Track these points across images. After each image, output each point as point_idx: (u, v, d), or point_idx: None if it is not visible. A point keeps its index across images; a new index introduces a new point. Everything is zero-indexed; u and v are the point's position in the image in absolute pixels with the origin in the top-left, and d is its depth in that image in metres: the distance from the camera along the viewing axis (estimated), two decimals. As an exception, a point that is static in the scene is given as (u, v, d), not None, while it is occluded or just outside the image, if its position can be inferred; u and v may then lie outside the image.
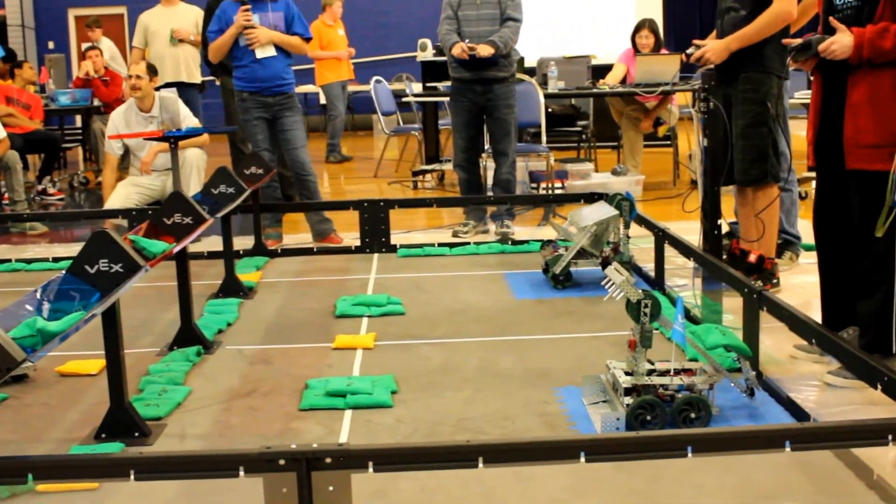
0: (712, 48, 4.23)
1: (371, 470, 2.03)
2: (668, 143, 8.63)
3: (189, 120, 6.41)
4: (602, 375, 3.12)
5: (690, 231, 4.41)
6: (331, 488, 2.02)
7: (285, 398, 3.24)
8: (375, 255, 5.62)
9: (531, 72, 8.25)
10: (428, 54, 10.53)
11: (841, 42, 3.12)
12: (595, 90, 8.04)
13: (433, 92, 9.40)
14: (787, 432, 2.14)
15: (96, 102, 9.90)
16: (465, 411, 3.06)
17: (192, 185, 6.17)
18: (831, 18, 3.19)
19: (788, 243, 4.92)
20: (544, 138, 7.62)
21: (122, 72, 10.13)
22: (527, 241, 5.73)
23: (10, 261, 5.66)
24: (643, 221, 4.86)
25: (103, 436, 2.88)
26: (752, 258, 4.32)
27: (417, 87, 10.61)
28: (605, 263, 4.41)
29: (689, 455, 2.08)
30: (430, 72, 10.15)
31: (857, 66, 3.14)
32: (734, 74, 4.26)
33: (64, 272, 2.70)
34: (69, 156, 10.90)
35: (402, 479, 2.51)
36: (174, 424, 3.03)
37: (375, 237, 5.71)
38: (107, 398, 2.90)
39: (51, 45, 15.77)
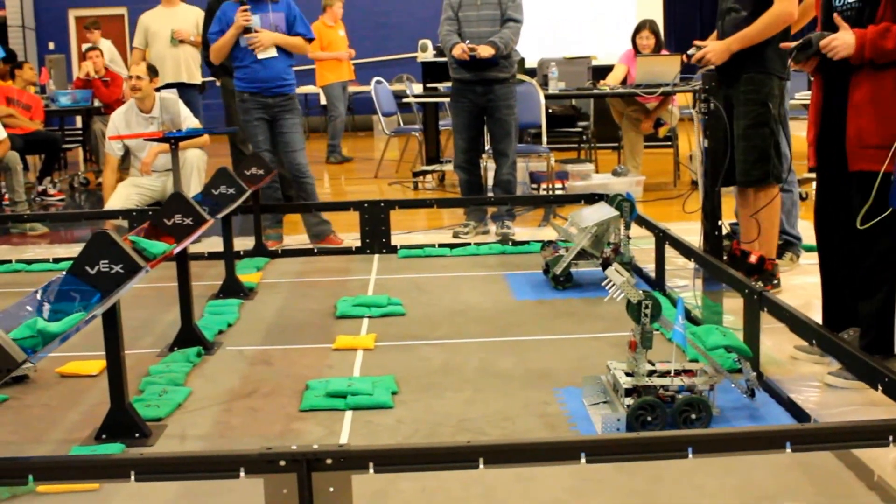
0: (713, 49, 4.23)
1: (372, 471, 2.03)
2: (669, 143, 8.63)
3: (189, 121, 6.41)
4: (602, 376, 3.12)
5: (691, 232, 4.41)
6: (331, 489, 2.02)
7: (286, 399, 3.24)
8: (376, 256, 5.62)
9: (532, 72, 8.25)
10: (428, 55, 10.53)
11: (843, 39, 3.11)
12: (595, 91, 8.04)
13: (434, 93, 9.40)
14: (787, 433, 2.14)
15: (97, 103, 9.91)
16: (466, 412, 3.06)
17: (193, 186, 6.17)
18: (835, 15, 3.18)
19: (789, 244, 4.92)
20: (545, 139, 7.62)
21: (121, 73, 10.14)
22: (527, 242, 5.73)
23: (10, 261, 5.66)
24: (644, 222, 4.86)
25: (104, 437, 2.88)
26: (753, 259, 4.32)
27: (418, 88, 10.61)
28: (606, 264, 4.41)
29: (690, 456, 2.08)
30: (431, 72, 10.15)
31: (859, 67, 3.14)
32: (735, 75, 4.26)
33: (64, 273, 2.70)
34: (69, 156, 10.90)
35: (403, 480, 2.51)
36: (175, 425, 3.03)
37: (376, 238, 5.71)
38: (107, 399, 2.90)
39: (51, 45, 15.77)
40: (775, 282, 4.40)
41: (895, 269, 3.10)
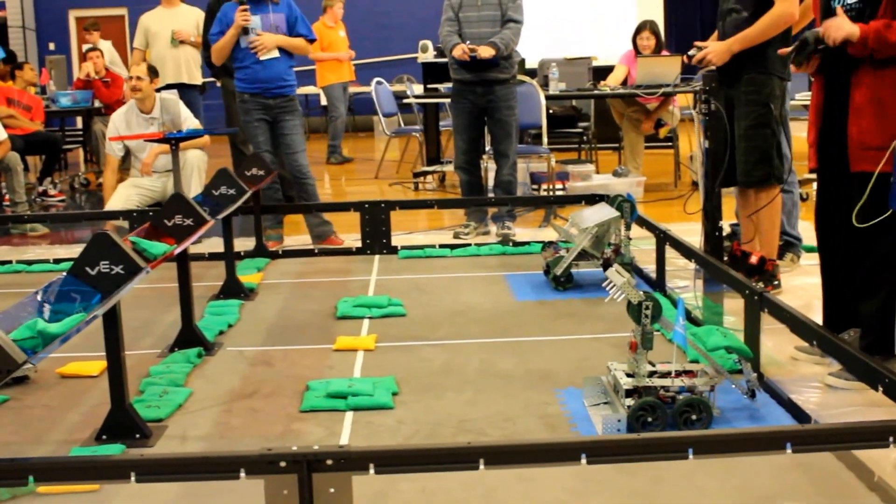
0: (714, 50, 4.23)
1: (372, 472, 2.03)
2: (670, 144, 8.63)
3: (190, 121, 6.41)
4: (603, 377, 3.12)
5: (691, 233, 4.41)
6: (332, 490, 2.02)
7: (286, 400, 3.24)
8: (376, 257, 5.62)
9: (532, 73, 8.25)
10: (429, 56, 10.53)
11: (836, 22, 3.07)
12: (596, 92, 8.04)
13: (434, 93, 9.41)
14: (788, 434, 2.14)
15: (97, 104, 9.91)
16: (466, 413, 3.06)
17: (193, 187, 6.17)
18: (838, 8, 3.17)
19: (790, 245, 4.92)
20: (545, 140, 7.62)
21: (121, 74, 10.14)
22: (528, 243, 5.73)
23: (10, 262, 5.66)
24: (644, 223, 4.86)
25: (104, 437, 2.88)
26: (754, 260, 4.32)
27: (418, 89, 10.62)
28: (607, 265, 4.41)
29: (691, 457, 2.08)
30: (431, 73, 10.15)
31: (860, 67, 3.13)
32: (736, 76, 4.26)
33: (65, 274, 2.70)
34: (70, 157, 10.91)
35: (404, 481, 2.51)
36: (175, 426, 3.03)
37: (376, 238, 5.71)
38: (108, 400, 2.90)
39: (51, 46, 15.77)
40: (776, 283, 4.40)
41: (896, 269, 3.11)
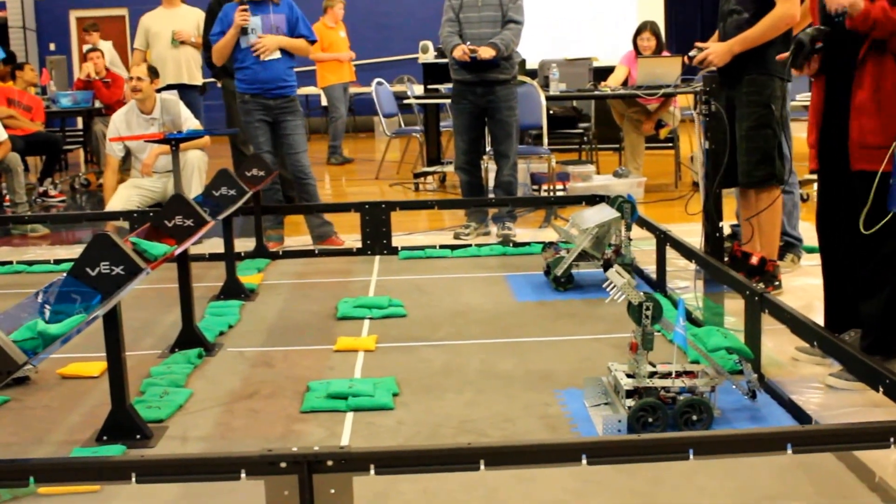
0: (715, 51, 4.22)
1: (373, 472, 2.03)
2: (670, 145, 8.63)
3: (190, 122, 6.42)
4: (603, 378, 3.12)
5: (692, 233, 4.41)
6: (332, 491, 2.02)
7: (287, 400, 3.24)
8: (377, 258, 5.62)
9: (533, 74, 8.25)
10: (429, 56, 10.53)
11: None
12: (597, 92, 8.04)
13: (434, 94, 9.41)
14: (788, 435, 2.14)
15: (97, 104, 9.91)
16: (467, 413, 3.06)
17: (194, 187, 6.18)
18: None
19: (790, 245, 4.92)
20: (546, 140, 7.62)
21: (122, 74, 10.14)
22: (528, 244, 5.73)
23: (11, 263, 5.66)
24: (645, 223, 4.86)
25: (105, 438, 2.88)
26: (754, 260, 4.32)
27: (419, 89, 10.61)
28: (607, 265, 4.41)
29: (691, 457, 2.08)
30: (432, 74, 10.15)
31: (861, 66, 3.12)
32: (737, 77, 4.26)
33: (65, 274, 2.70)
34: (70, 158, 10.91)
35: (404, 482, 2.51)
36: (175, 427, 3.03)
37: (377, 239, 5.71)
38: (108, 400, 2.90)
39: (52, 46, 15.77)
40: (776, 283, 4.40)
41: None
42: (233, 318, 4.25)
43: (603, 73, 8.73)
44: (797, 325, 3.05)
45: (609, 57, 11.13)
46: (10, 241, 6.63)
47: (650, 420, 2.81)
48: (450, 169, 8.00)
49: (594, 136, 9.18)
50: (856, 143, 3.16)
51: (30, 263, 5.66)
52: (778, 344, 3.56)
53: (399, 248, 5.70)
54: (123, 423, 2.89)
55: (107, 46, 10.93)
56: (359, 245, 5.74)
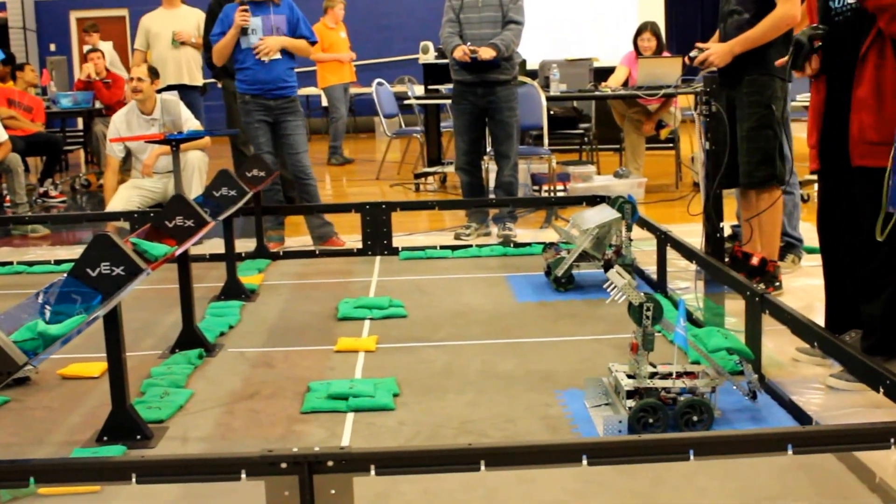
0: (716, 51, 4.22)
1: (373, 473, 2.03)
2: (671, 145, 8.63)
3: (191, 122, 6.42)
4: (604, 378, 3.12)
5: (692, 234, 4.41)
6: (333, 492, 2.02)
7: (287, 401, 3.23)
8: (377, 258, 5.62)
9: (533, 74, 8.25)
10: (430, 57, 10.54)
11: None
12: (597, 93, 8.04)
13: (435, 94, 9.41)
14: (789, 435, 2.14)
15: (98, 105, 9.91)
16: (468, 414, 3.06)
17: (194, 188, 6.18)
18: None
19: (791, 246, 4.92)
20: (546, 141, 7.62)
21: (122, 75, 10.15)
22: (529, 244, 5.72)
23: (11, 263, 5.66)
24: (645, 224, 4.86)
25: (105, 439, 2.88)
26: (755, 261, 4.32)
27: (419, 90, 10.61)
28: (608, 266, 4.41)
29: (692, 458, 2.08)
30: (432, 74, 10.15)
31: (861, 64, 3.12)
32: (738, 77, 4.26)
33: (65, 275, 2.70)
34: (71, 158, 10.91)
35: (405, 483, 2.51)
36: (176, 427, 3.03)
37: (377, 240, 5.71)
38: (108, 401, 2.90)
39: (52, 47, 15.78)
40: (777, 284, 4.40)
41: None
42: (233, 319, 4.25)
43: (603, 73, 8.73)
44: (798, 325, 3.05)
45: (609, 57, 11.13)
46: (10, 242, 6.63)
47: (651, 421, 2.81)
48: (450, 169, 8.00)
49: (595, 136, 9.18)
50: (856, 139, 3.16)
51: (30, 264, 5.66)
52: (778, 345, 3.55)
53: (400, 249, 5.70)
54: (124, 424, 2.89)
55: (107, 47, 10.93)
56: (359, 245, 5.74)
